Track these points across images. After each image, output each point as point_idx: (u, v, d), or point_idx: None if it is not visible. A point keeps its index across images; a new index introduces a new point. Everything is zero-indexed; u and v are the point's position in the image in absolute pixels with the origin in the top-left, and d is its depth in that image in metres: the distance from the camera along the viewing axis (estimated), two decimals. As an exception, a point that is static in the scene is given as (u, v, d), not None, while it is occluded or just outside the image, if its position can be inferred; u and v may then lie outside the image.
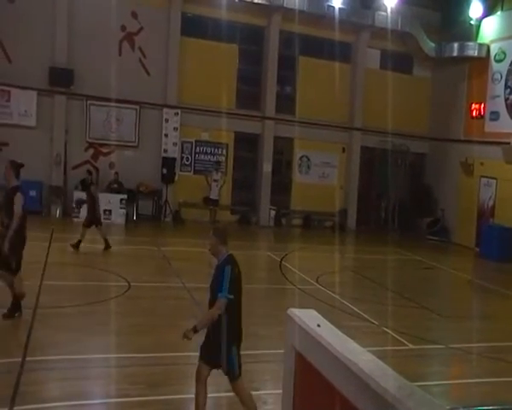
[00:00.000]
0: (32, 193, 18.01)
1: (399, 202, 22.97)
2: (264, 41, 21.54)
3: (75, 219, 18.03)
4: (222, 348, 5.49)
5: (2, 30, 18.24)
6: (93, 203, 14.10)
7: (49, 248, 13.25)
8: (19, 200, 8.02)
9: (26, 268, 8.73)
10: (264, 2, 20.59)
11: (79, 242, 13.62)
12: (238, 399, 5.65)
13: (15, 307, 8.21)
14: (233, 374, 5.56)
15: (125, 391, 6.44)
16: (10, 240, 7.89)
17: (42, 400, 5.72)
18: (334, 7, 20.80)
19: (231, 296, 5.44)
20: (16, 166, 8.43)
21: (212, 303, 5.51)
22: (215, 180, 20.31)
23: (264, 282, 13.27)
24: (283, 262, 14.65)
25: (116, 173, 19.40)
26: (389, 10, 21.45)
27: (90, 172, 15.31)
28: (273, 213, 21.61)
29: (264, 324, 9.36)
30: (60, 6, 18.70)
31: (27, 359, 6.55)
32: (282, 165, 22.46)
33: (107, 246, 13.91)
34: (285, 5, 20.61)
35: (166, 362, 7.41)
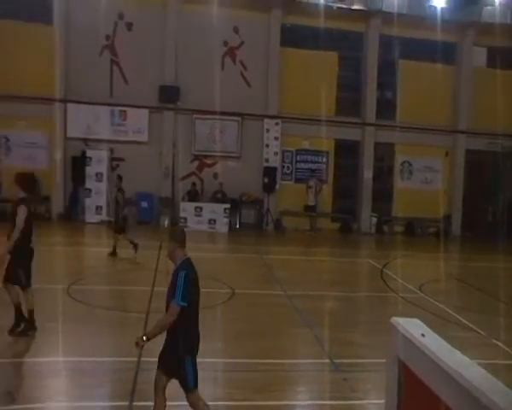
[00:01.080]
0: (144, 204, 19.18)
1: (509, 207, 21.82)
2: (364, 46, 21.41)
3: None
4: (177, 357, 5.15)
5: (121, 55, 19.71)
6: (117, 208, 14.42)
7: (158, 256, 13.96)
8: (22, 212, 7.87)
9: (140, 275, 9.29)
10: (362, 7, 20.49)
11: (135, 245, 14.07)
12: None
13: (19, 322, 8.08)
14: (187, 386, 5.18)
15: (230, 395, 6.64)
16: (11, 251, 7.84)
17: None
18: (435, 6, 20.26)
19: (185, 303, 5.04)
20: (23, 179, 8.27)
21: (167, 310, 5.17)
22: (310, 187, 20.50)
23: (365, 290, 13.18)
24: (385, 270, 14.44)
25: (220, 184, 20.10)
26: (497, 3, 20.52)
27: (120, 178, 14.99)
28: (374, 220, 21.34)
29: (365, 332, 9.32)
30: (169, 29, 19.87)
31: (142, 359, 7.01)
32: (383, 171, 22.14)
33: (113, 253, 13.94)
34: (384, 9, 20.38)
35: (271, 368, 7.55)
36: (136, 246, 13.87)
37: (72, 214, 19.55)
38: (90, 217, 19.07)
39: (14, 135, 19.25)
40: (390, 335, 3.33)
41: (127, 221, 14.58)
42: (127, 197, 17.45)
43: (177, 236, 5.38)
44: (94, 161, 19.28)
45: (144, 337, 5.00)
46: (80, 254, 14.49)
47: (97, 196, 19.22)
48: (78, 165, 19.51)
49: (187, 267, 5.22)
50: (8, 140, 19.22)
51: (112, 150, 19.81)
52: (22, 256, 7.97)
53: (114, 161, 19.91)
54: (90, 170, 19.18)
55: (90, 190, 19.20)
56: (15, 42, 18.68)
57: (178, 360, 5.12)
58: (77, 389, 6.58)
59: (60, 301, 9.65)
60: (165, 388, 5.20)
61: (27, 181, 8.39)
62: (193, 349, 5.20)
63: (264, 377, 7.24)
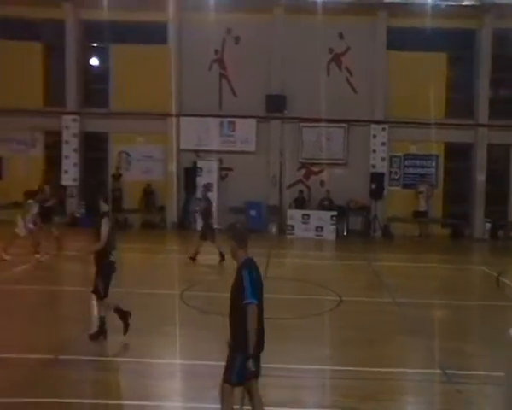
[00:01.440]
0: (253, 213, 19.71)
1: None
2: (476, 44, 20.53)
3: (289, 237, 19.20)
4: (232, 348, 5.22)
5: (230, 68, 20.52)
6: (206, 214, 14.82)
7: (267, 263, 14.29)
8: (105, 224, 8.43)
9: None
10: (474, 2, 19.66)
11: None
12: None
13: (126, 320, 8.56)
14: (226, 374, 5.20)
15: (337, 403, 6.67)
16: (96, 264, 8.49)
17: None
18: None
19: (255, 300, 5.06)
20: (104, 193, 9.39)
21: (233, 309, 5.20)
22: (421, 192, 19.99)
23: (478, 298, 12.65)
24: (501, 278, 13.76)
25: (327, 191, 20.15)
26: None
27: (206, 187, 15.65)
28: (488, 225, 20.35)
29: (479, 342, 9.01)
30: (275, 39, 20.28)
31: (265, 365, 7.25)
32: (498, 174, 21.04)
33: (194, 258, 14.43)
34: (498, 1, 19.39)
35: (379, 377, 7.51)
36: (222, 256, 14.12)
37: (185, 223, 20.49)
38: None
39: (134, 150, 20.61)
40: (509, 348, 3.22)
41: (214, 230, 14.98)
42: (234, 205, 18.07)
43: (237, 236, 5.33)
44: (204, 171, 20.10)
45: (250, 361, 5.02)
46: (188, 261, 15.11)
47: (208, 205, 19.98)
48: (190, 175, 20.44)
49: (250, 266, 5.24)
50: (128, 155, 20.60)
51: (221, 160, 20.55)
52: (103, 269, 8.52)
53: (223, 171, 20.65)
54: (201, 180, 20.02)
55: (200, 200, 20.00)
56: (136, 64, 19.92)
57: (234, 356, 5.16)
58: (191, 390, 6.97)
59: (174, 307, 10.18)
60: (231, 393, 5.26)
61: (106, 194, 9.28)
62: (248, 348, 5.05)
63: (371, 386, 7.22)
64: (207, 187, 15.31)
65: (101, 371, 7.42)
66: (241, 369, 5.07)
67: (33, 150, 20.57)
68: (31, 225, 13.70)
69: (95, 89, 21.10)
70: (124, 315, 8.57)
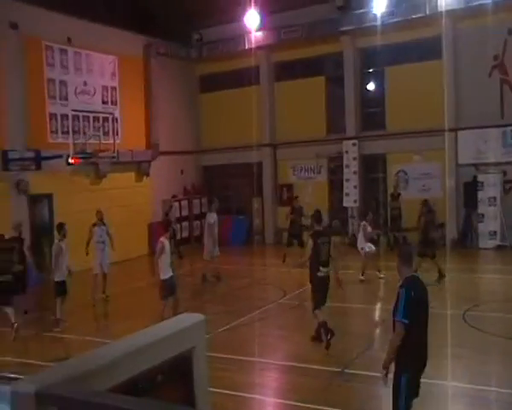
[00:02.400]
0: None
1: None
2: None
3: None
4: (395, 373, 5.31)
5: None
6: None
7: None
8: (310, 242, 9.68)
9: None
10: None
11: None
12: None
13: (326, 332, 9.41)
14: (395, 399, 5.16)
15: None
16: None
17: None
18: None
19: (406, 320, 5.16)
20: (316, 214, 10.18)
21: (394, 326, 5.38)
22: None
23: None
24: None
25: None
26: None
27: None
28: None
29: None
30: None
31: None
32: None
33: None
34: None
35: None
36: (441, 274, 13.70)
37: (465, 240, 19.93)
38: (484, 242, 19.13)
39: (411, 168, 20.96)
40: None
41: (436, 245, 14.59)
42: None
43: (401, 254, 5.63)
44: (486, 185, 19.33)
45: (384, 370, 5.37)
46: (475, 280, 14.76)
47: (490, 220, 19.18)
48: (469, 190, 19.87)
49: (409, 284, 5.35)
50: (405, 174, 21.04)
51: (505, 173, 19.48)
52: (313, 283, 9.67)
53: (507, 184, 19.52)
54: (483, 194, 19.30)
55: (482, 215, 19.31)
56: (410, 83, 20.33)
57: (395, 376, 5.28)
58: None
59: (456, 327, 10.23)
60: None
61: (319, 215, 10.24)
62: (412, 369, 5.22)
63: None
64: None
65: (387, 389, 8.02)
66: (409, 393, 5.28)
67: (319, 176, 22.56)
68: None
69: (371, 112, 22.12)
70: (326, 332, 9.37)
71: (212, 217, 15.88)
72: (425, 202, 15.73)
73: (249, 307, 12.72)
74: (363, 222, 15.15)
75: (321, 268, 9.53)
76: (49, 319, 12.20)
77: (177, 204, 22.69)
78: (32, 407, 1.92)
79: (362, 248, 14.95)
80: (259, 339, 10.41)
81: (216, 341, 9.64)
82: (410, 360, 5.31)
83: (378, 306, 13.04)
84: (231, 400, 7.58)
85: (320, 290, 9.61)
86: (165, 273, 11.15)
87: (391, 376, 5.49)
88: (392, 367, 5.50)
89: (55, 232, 12.76)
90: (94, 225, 14.59)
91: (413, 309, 5.28)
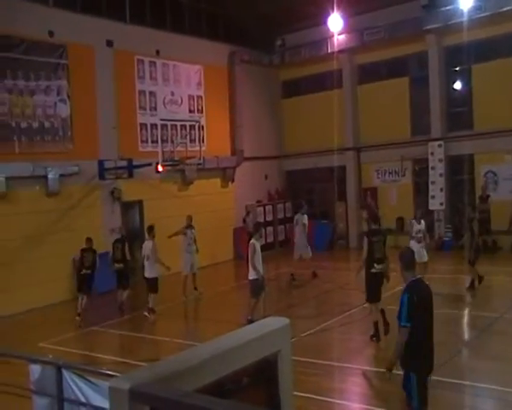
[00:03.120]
0: None
1: None
2: None
3: None
4: (404, 372, 5.59)
5: None
6: None
7: None
8: (365, 243, 10.19)
9: None
10: None
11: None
12: None
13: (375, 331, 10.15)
14: (410, 402, 5.42)
15: None
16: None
17: None
18: None
19: (407, 324, 5.39)
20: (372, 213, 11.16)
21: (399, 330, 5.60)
22: None
23: None
24: None
25: None
26: None
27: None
28: None
29: None
30: None
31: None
32: None
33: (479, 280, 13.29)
34: None
35: None
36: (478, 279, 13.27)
37: None
38: None
39: (501, 168, 20.10)
40: None
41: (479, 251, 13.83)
42: None
43: (402, 258, 5.70)
44: None
45: (386, 371, 5.73)
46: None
47: None
48: None
49: (410, 289, 5.52)
50: (495, 174, 20.22)
51: None
52: (366, 278, 10.25)
53: None
54: None
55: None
56: (498, 79, 19.61)
57: (404, 375, 5.55)
58: None
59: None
60: None
61: (376, 215, 10.81)
62: (419, 369, 5.45)
63: None
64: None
65: (471, 397, 7.88)
66: (421, 390, 5.44)
67: (403, 179, 22.16)
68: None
69: (457, 112, 21.44)
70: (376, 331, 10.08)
71: (305, 219, 16.76)
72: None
73: (333, 311, 12.78)
74: (412, 220, 14.06)
75: (375, 265, 9.91)
76: (142, 316, 12.98)
77: (259, 209, 23.05)
78: (126, 403, 2.18)
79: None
80: (343, 344, 10.49)
81: (300, 345, 9.81)
82: (416, 360, 5.53)
83: (466, 311, 12.69)
84: (315, 404, 7.72)
85: (373, 286, 10.07)
86: (255, 274, 11.47)
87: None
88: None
89: (146, 233, 13.88)
90: (186, 227, 15.49)
91: (417, 313, 5.48)
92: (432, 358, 5.63)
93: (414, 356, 5.50)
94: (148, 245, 13.29)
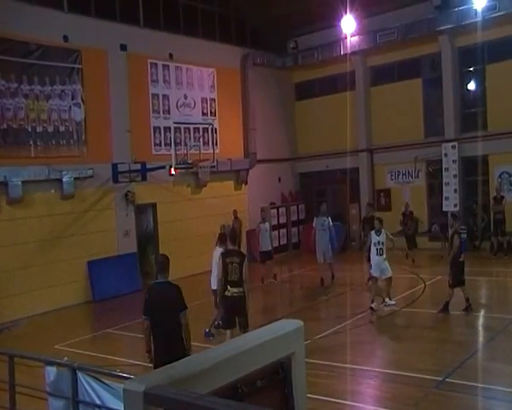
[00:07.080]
0: None
1: None
2: None
3: None
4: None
5: None
6: None
7: None
8: (456, 241, 11.84)
9: None
10: None
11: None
12: None
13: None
14: None
15: None
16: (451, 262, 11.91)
17: None
18: None
19: (145, 316, 6.88)
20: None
21: None
22: None
23: None
24: None
25: None
26: None
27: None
28: None
29: None
30: None
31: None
32: None
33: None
34: None
35: None
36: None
37: None
38: None
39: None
40: None
41: None
42: None
43: (159, 262, 7.13)
44: None
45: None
46: None
47: None
48: None
49: (148, 289, 7.18)
50: (510, 175, 20.04)
51: None
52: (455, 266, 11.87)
53: None
54: None
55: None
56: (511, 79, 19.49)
57: None
58: None
59: None
60: None
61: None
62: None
63: None
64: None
65: (486, 399, 7.82)
66: None
67: (417, 180, 22.05)
68: None
69: (471, 113, 21.30)
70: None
71: (326, 220, 16.49)
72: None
73: (347, 313, 12.76)
74: (371, 231, 13.41)
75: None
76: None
77: (272, 211, 23.06)
78: (140, 405, 2.19)
79: None
80: (357, 346, 10.47)
81: (314, 347, 9.81)
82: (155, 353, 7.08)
83: (482, 313, 12.60)
84: (328, 406, 7.72)
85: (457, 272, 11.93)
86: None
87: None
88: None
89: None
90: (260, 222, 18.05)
91: (149, 309, 7.06)
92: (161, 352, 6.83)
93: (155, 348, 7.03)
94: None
